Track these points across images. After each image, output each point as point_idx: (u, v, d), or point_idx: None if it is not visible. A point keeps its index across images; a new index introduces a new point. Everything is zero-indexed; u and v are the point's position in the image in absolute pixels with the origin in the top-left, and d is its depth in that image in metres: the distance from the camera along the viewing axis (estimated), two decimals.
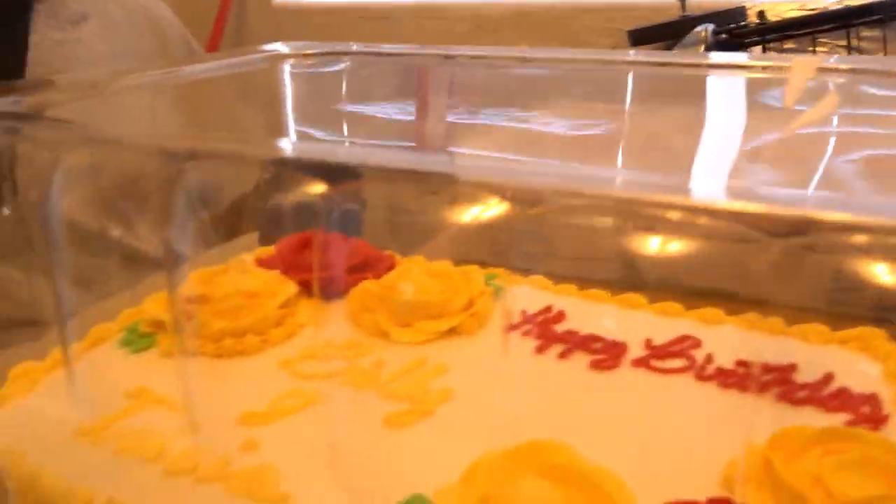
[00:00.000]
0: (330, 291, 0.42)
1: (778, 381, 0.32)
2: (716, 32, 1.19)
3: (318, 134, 0.54)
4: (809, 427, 0.27)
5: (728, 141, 0.39)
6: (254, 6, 1.75)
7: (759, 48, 1.22)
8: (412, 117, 0.55)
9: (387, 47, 0.54)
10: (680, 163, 0.39)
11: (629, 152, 0.48)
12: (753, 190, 0.20)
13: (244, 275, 0.40)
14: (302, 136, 0.52)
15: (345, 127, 0.54)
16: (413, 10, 1.59)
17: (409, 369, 0.35)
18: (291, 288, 0.40)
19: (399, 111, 0.56)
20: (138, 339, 0.38)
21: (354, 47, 0.54)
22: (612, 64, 0.47)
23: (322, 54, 0.53)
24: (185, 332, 0.37)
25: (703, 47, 1.19)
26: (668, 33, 1.25)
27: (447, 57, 0.51)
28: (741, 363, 0.34)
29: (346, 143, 0.49)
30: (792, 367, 0.33)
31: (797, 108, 0.33)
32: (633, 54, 0.50)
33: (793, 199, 0.19)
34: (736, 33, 1.19)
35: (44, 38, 0.67)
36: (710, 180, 0.20)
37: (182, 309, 0.37)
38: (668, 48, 1.22)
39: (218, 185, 0.67)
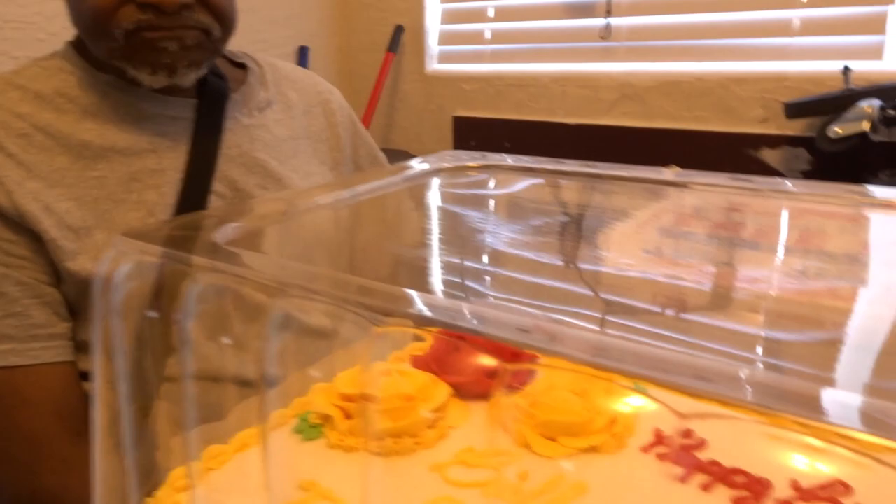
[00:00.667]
0: (469, 395, 0.45)
1: None
2: (883, 108, 1.13)
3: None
4: None
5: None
6: (408, 74, 1.87)
7: None
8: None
9: (539, 161, 0.57)
10: None
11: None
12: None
13: (403, 376, 0.43)
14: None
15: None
16: (559, 78, 1.63)
17: (552, 483, 0.36)
18: (444, 392, 0.43)
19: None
20: (308, 429, 0.43)
21: (509, 160, 0.57)
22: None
23: (477, 167, 0.56)
24: (343, 428, 0.41)
25: (867, 124, 1.13)
26: (828, 107, 1.21)
27: (596, 176, 0.52)
28: None
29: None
30: None
31: None
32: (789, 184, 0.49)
33: None
34: None
35: (236, 123, 0.76)
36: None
37: (342, 406, 0.42)
38: (828, 123, 1.18)
39: None
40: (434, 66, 1.84)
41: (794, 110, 1.26)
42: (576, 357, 0.23)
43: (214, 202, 0.72)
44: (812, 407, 0.20)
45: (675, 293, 0.52)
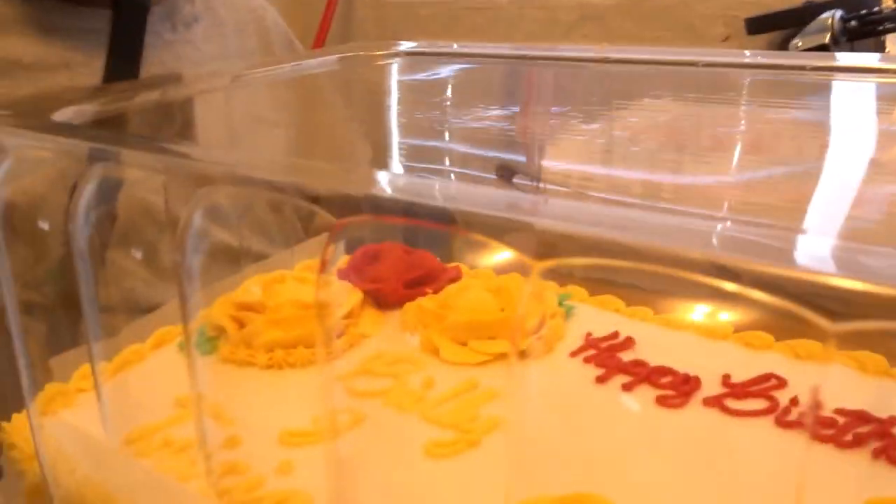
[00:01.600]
0: (388, 303, 0.41)
1: (877, 434, 0.28)
2: (844, 19, 1.09)
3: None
4: None
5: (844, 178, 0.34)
6: (360, 0, 1.78)
7: (893, 38, 1.11)
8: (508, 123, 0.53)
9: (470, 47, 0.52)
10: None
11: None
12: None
13: (303, 283, 0.39)
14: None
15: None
16: (517, 0, 1.56)
17: (457, 392, 0.33)
18: (355, 298, 0.39)
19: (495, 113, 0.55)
20: (204, 342, 0.38)
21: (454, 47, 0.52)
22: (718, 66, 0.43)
23: (420, 53, 0.51)
24: (236, 340, 0.37)
25: (828, 36, 1.09)
26: (789, 21, 1.16)
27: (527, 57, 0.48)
28: (835, 410, 0.30)
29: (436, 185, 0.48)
30: (894, 421, 0.29)
31: None
32: (748, 54, 0.45)
33: None
34: (868, 20, 1.09)
35: (158, 39, 0.70)
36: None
37: (236, 316, 0.37)
38: (790, 37, 1.13)
39: None
40: None
41: (756, 25, 1.21)
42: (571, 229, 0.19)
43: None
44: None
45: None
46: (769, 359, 0.35)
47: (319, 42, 1.68)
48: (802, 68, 0.44)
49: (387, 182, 0.24)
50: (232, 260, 0.53)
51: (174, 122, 0.42)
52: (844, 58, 0.48)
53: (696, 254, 0.18)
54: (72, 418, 0.35)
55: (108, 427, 0.31)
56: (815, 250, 0.17)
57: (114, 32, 0.66)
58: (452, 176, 0.53)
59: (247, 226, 0.57)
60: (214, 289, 0.42)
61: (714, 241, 0.18)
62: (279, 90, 0.50)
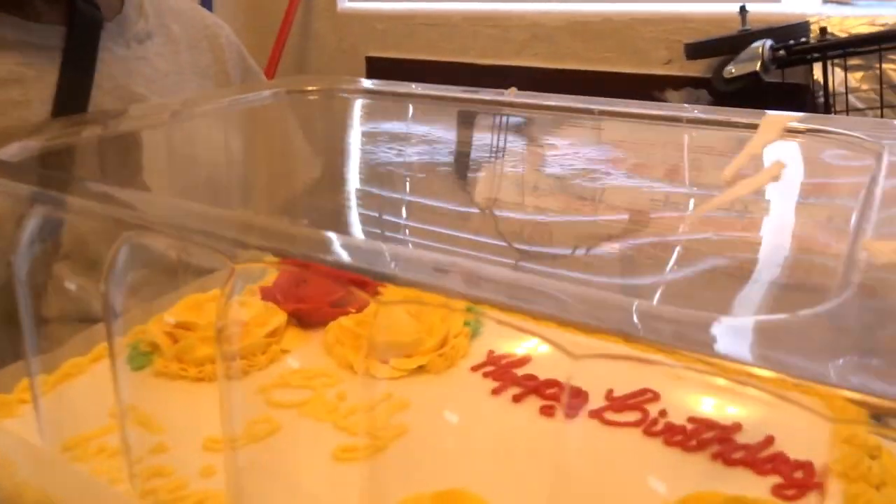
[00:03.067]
0: (312, 323, 0.44)
1: (719, 440, 0.33)
2: (774, 48, 1.16)
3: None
4: (718, 493, 0.27)
5: None
6: (319, 12, 1.81)
7: (820, 65, 1.18)
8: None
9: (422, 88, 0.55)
10: None
11: None
12: None
13: (241, 306, 0.42)
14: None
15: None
16: (471, 17, 1.61)
17: (370, 405, 0.37)
18: (279, 319, 0.42)
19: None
20: (138, 357, 0.42)
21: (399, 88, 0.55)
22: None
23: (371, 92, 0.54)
24: (170, 355, 0.40)
25: (759, 64, 1.16)
26: (724, 48, 1.22)
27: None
28: (691, 420, 0.35)
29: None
30: (736, 427, 0.34)
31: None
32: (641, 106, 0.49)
33: None
34: (796, 50, 1.15)
35: (110, 55, 0.71)
36: None
37: (169, 332, 0.41)
38: (725, 63, 1.20)
39: None
40: (345, 3, 1.79)
41: (693, 51, 1.27)
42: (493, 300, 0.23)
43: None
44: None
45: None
46: (651, 373, 0.39)
47: (275, 56, 1.71)
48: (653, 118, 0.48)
49: (284, 232, 0.27)
50: (170, 273, 0.56)
51: (118, 157, 0.45)
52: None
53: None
54: (13, 426, 0.38)
55: (45, 435, 0.34)
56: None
57: (67, 48, 0.68)
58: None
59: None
60: (152, 306, 0.45)
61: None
62: (218, 125, 0.53)
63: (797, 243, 0.42)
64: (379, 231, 0.59)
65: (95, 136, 0.41)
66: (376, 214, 0.58)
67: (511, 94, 0.49)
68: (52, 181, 0.29)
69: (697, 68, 1.36)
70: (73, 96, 0.67)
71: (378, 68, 1.76)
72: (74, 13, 0.69)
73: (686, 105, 0.48)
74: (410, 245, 0.55)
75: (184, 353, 0.40)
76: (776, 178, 0.33)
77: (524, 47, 1.57)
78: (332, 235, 0.29)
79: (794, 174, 0.35)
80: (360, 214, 0.57)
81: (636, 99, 1.48)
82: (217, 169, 0.62)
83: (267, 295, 0.47)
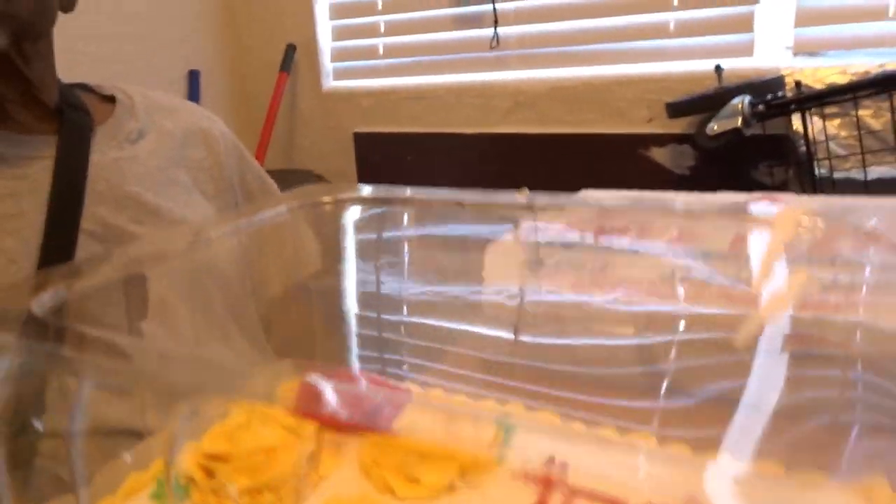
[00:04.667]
0: (342, 441, 0.44)
1: None
2: (753, 104, 1.19)
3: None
4: None
5: None
6: (305, 93, 1.85)
7: (798, 115, 1.22)
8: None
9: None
10: None
11: None
12: None
13: (265, 427, 0.42)
14: None
15: None
16: (454, 88, 1.65)
17: None
18: (311, 438, 0.42)
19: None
20: (179, 489, 0.41)
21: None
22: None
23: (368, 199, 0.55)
24: (206, 489, 0.40)
25: (740, 120, 1.19)
26: (705, 106, 1.26)
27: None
28: None
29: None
30: None
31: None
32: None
33: None
34: (774, 104, 1.19)
35: (103, 157, 0.71)
36: None
37: (204, 465, 0.40)
38: (707, 120, 1.23)
39: None
40: (330, 83, 1.83)
41: (675, 110, 1.31)
42: None
43: (85, 243, 0.68)
44: None
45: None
46: (690, 475, 0.39)
47: (265, 138, 1.73)
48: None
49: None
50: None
51: (124, 301, 0.45)
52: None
53: None
54: None
55: None
56: None
57: (58, 157, 0.68)
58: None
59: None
60: (169, 434, 0.45)
61: None
62: (227, 250, 0.53)
63: None
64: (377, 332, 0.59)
65: (96, 285, 0.41)
66: (374, 314, 0.58)
67: (523, 196, 0.50)
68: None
69: (680, 125, 1.40)
70: (66, 204, 0.68)
71: (366, 143, 1.79)
72: (64, 123, 0.70)
73: (681, 199, 0.49)
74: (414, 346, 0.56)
75: (220, 487, 0.39)
76: (804, 287, 0.34)
77: (508, 114, 1.61)
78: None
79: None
80: (358, 316, 0.57)
81: (623, 157, 1.51)
82: (227, 287, 0.62)
83: (295, 410, 0.47)
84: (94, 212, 0.70)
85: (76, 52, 1.47)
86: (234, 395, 0.46)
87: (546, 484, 0.39)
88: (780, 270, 0.35)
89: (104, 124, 0.75)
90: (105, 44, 1.55)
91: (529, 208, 0.48)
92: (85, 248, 0.68)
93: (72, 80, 0.77)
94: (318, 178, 1.75)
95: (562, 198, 0.50)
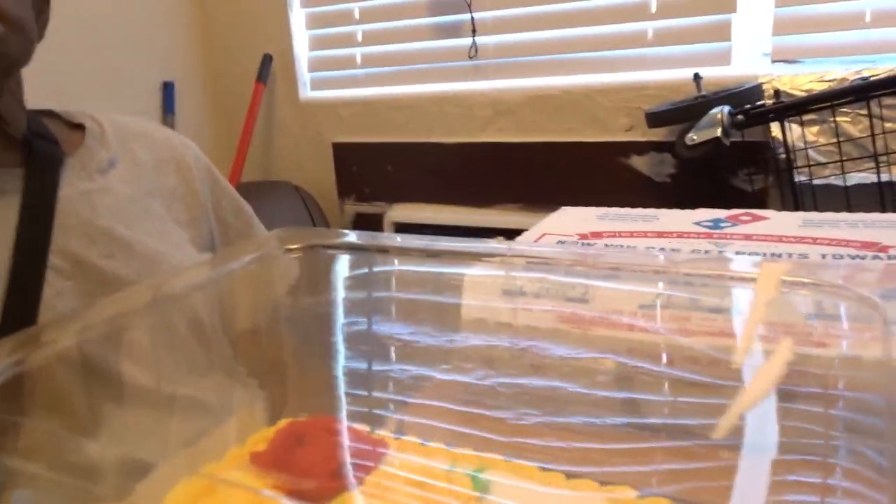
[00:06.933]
0: (314, 498, 0.43)
1: None
2: (732, 114, 1.19)
3: None
4: None
5: None
6: (282, 104, 1.82)
7: (777, 124, 1.22)
8: None
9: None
10: None
11: None
12: None
13: (234, 490, 0.41)
14: None
15: None
16: (434, 98, 1.64)
17: None
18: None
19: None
20: None
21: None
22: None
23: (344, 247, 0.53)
24: None
25: (719, 130, 1.19)
26: (684, 116, 1.26)
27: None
28: None
29: None
30: None
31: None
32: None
33: None
34: (753, 113, 1.19)
35: (73, 190, 0.69)
36: None
37: None
38: (687, 129, 1.23)
39: None
40: (308, 93, 1.81)
41: (654, 120, 1.30)
42: None
43: (53, 279, 0.66)
44: None
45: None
46: None
47: (242, 151, 1.71)
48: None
49: None
50: (151, 405, 0.53)
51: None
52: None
53: None
54: None
55: None
56: None
57: (26, 191, 0.66)
58: None
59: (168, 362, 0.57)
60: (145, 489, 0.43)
61: None
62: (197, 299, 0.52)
63: None
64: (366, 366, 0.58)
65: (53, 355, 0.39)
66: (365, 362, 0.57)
67: (500, 242, 0.48)
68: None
69: (659, 133, 1.40)
70: (33, 240, 0.65)
71: (345, 154, 1.77)
72: (32, 155, 0.68)
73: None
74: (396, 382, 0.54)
75: None
76: (788, 362, 0.33)
77: (488, 123, 1.60)
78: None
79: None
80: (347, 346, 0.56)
81: (603, 166, 1.50)
82: (201, 330, 0.60)
83: (258, 460, 0.45)
84: (64, 247, 0.68)
85: (47, 65, 1.43)
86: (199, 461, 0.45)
87: None
88: (759, 345, 0.34)
89: (74, 155, 0.73)
90: (77, 57, 1.52)
91: (506, 257, 0.47)
92: (53, 285, 0.66)
93: (43, 96, 0.75)
94: (297, 189, 1.73)
95: (539, 248, 0.49)
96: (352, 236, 0.50)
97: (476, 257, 0.49)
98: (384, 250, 0.52)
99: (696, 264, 0.41)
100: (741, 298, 0.41)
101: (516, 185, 1.56)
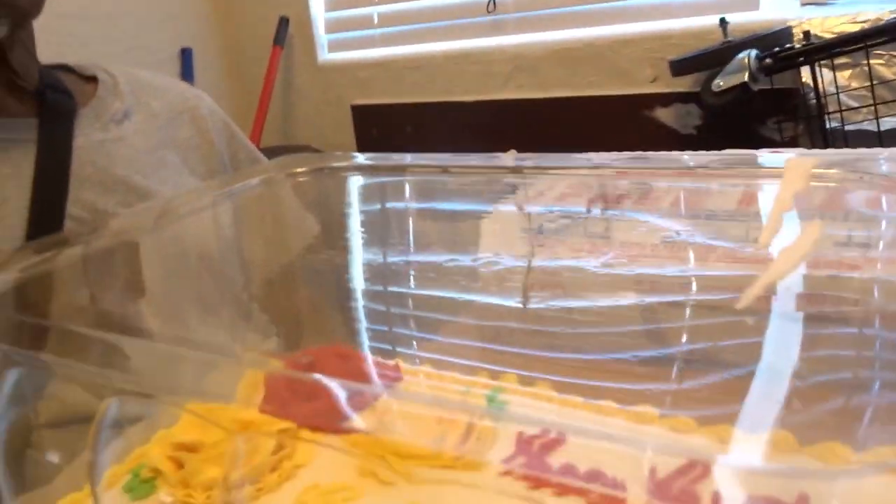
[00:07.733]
0: (325, 428, 0.42)
1: None
2: (760, 58, 1.15)
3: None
4: None
5: None
6: (300, 67, 1.81)
7: (807, 68, 1.17)
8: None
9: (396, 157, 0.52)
10: None
11: None
12: None
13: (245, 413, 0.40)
14: None
15: None
16: (453, 56, 1.61)
17: None
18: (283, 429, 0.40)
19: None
20: (139, 485, 0.39)
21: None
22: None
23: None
24: (174, 481, 0.37)
25: (747, 75, 1.14)
26: (709, 62, 1.21)
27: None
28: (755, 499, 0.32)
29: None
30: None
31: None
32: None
33: None
34: (782, 56, 1.14)
35: (88, 140, 0.69)
36: None
37: (173, 456, 0.38)
38: (712, 77, 1.18)
39: None
40: (325, 55, 1.79)
41: (678, 67, 1.26)
42: None
43: (72, 228, 0.66)
44: None
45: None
46: (694, 444, 0.37)
47: (261, 114, 1.70)
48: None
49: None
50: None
51: (107, 277, 0.43)
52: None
53: None
54: None
55: None
56: None
57: (40, 140, 0.66)
58: None
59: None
60: (153, 424, 0.42)
61: None
62: (205, 220, 0.51)
63: None
64: (384, 307, 0.56)
65: (77, 257, 0.38)
66: (381, 288, 0.56)
67: (510, 157, 0.47)
68: (26, 333, 0.27)
69: (685, 83, 1.35)
70: (51, 189, 0.65)
71: (364, 116, 1.75)
72: (45, 105, 0.67)
73: (689, 156, 0.46)
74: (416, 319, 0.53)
75: (190, 478, 0.37)
76: (817, 242, 0.30)
77: (508, 80, 1.56)
78: None
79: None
80: (365, 291, 0.54)
81: (626, 120, 1.47)
82: (211, 261, 0.60)
83: (268, 403, 0.44)
84: (81, 196, 0.67)
85: (64, 32, 1.43)
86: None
87: (540, 466, 0.36)
88: (791, 224, 0.32)
89: (87, 105, 0.72)
90: (95, 23, 1.52)
91: (518, 171, 0.45)
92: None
93: (61, 61, 0.75)
94: (317, 153, 1.72)
95: (558, 158, 0.47)
96: (360, 157, 0.49)
97: (488, 171, 0.47)
98: (399, 168, 0.51)
99: (725, 159, 0.39)
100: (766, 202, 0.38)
101: (538, 141, 1.53)
